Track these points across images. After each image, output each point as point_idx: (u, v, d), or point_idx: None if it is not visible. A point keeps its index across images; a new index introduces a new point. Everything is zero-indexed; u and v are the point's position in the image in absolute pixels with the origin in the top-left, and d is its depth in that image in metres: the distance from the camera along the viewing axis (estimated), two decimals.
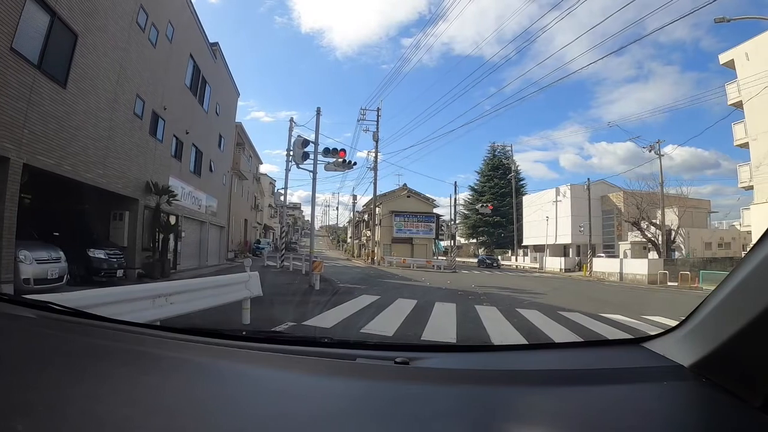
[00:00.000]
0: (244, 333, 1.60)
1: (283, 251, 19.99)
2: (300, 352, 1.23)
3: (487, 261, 36.65)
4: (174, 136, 15.75)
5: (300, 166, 16.00)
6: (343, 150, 18.29)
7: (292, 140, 17.87)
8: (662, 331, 1.21)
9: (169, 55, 14.58)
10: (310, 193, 16.80)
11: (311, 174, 16.39)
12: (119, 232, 12.46)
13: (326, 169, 19.97)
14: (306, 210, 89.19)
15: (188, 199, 17.35)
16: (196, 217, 18.67)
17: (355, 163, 18.31)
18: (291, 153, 18.04)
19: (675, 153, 70.98)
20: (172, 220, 15.85)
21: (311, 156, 16.01)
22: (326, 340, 1.51)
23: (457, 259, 38.50)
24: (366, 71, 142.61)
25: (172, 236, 15.45)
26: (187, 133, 16.88)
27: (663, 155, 26.51)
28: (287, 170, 21.30)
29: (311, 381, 0.99)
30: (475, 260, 42.95)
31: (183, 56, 16.18)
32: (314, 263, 12.62)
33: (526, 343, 4.49)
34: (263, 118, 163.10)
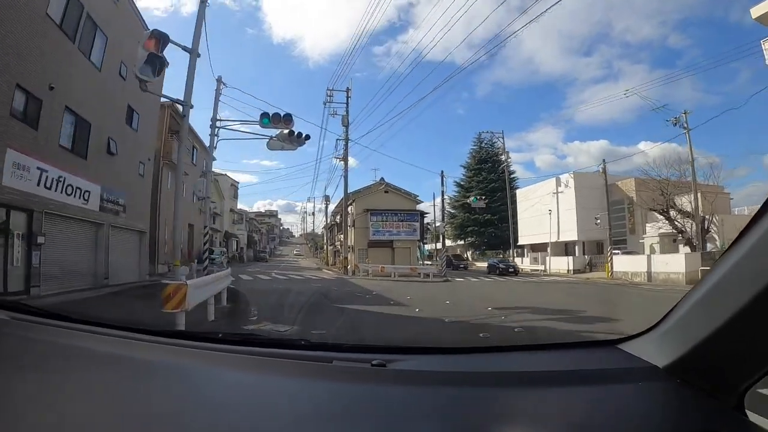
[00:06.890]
0: (220, 335, 1.49)
1: (206, 262, 14.39)
2: (276, 354, 1.22)
3: (501, 266, 28.59)
4: (19, 86, 10.12)
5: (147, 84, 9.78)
6: (289, 116, 13.07)
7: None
8: (638, 332, 1.18)
9: None
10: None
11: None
12: None
13: (270, 146, 14.71)
14: (284, 218, 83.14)
15: (57, 187, 11.66)
16: (81, 215, 12.96)
17: (307, 137, 13.04)
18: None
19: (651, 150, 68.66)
20: (21, 218, 10.25)
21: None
22: (302, 342, 1.45)
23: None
24: (338, 80, 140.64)
25: (16, 242, 9.90)
26: (51, 88, 11.24)
27: (689, 129, 22.51)
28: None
29: (287, 384, 1.00)
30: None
31: None
32: (172, 288, 6.03)
33: (502, 345, 2.45)
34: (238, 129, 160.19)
